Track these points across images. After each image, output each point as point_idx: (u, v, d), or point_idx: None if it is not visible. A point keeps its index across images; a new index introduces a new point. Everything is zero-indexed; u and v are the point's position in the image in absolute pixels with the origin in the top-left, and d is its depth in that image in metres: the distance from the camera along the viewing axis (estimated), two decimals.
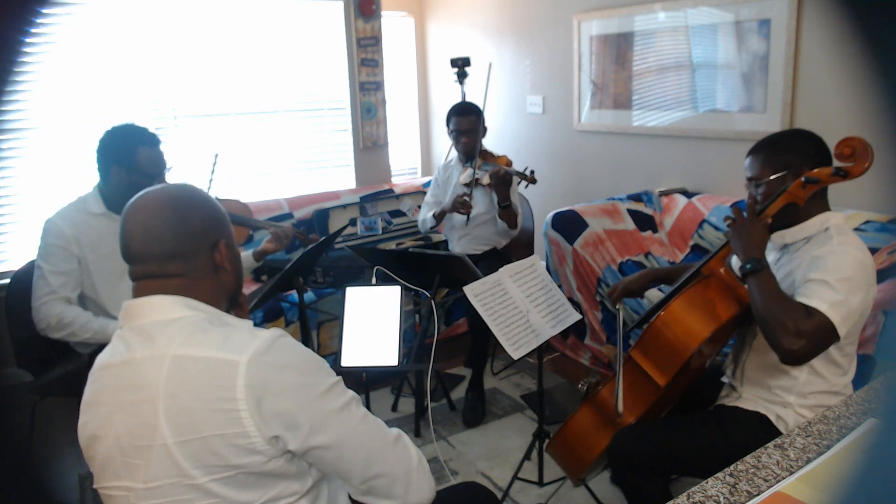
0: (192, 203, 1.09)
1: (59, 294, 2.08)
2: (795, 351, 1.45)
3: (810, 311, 1.46)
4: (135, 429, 0.98)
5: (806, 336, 1.44)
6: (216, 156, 2.40)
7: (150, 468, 0.97)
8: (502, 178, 2.94)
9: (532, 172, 2.85)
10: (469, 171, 3.10)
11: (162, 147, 2.18)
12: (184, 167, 3.59)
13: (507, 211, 3.02)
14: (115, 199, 2.17)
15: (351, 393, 1.07)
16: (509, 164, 3.08)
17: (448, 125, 3.19)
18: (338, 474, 1.07)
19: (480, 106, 3.11)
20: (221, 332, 1.00)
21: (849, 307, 1.47)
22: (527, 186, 2.92)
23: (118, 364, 1.02)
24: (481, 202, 3.17)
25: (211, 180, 2.38)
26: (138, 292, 1.06)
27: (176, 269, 1.05)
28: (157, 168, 2.15)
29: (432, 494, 1.13)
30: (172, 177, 2.41)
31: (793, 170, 1.59)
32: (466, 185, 3.10)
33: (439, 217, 3.23)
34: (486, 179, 3.04)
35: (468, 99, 3.52)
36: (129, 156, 2.10)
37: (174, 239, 1.05)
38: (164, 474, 0.97)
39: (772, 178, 1.62)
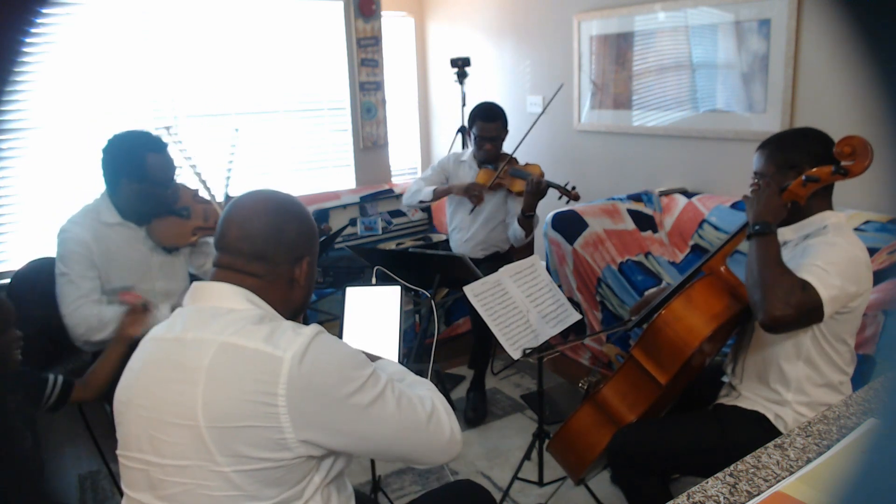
0: (293, 215, 1.15)
1: (90, 297, 2.01)
2: (779, 317, 1.46)
3: (805, 285, 1.47)
4: (170, 406, 1.00)
5: (794, 307, 1.45)
6: (237, 130, 2.36)
7: (176, 446, 0.99)
8: (541, 190, 2.79)
9: (574, 188, 2.73)
10: (489, 171, 3.02)
11: (169, 150, 2.12)
12: (184, 167, 3.59)
13: (529, 220, 2.92)
14: (129, 210, 2.10)
15: (385, 378, 1.08)
16: (542, 174, 2.95)
17: (471, 127, 3.08)
18: (375, 457, 1.12)
19: (504, 108, 3.03)
20: (269, 327, 1.03)
21: (838, 289, 1.48)
22: (567, 202, 2.80)
23: (170, 339, 1.06)
24: (493, 207, 3.10)
25: (232, 155, 2.33)
26: (214, 277, 1.11)
27: (257, 270, 1.10)
28: (167, 174, 2.09)
29: (458, 451, 1.17)
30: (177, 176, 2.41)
31: (796, 168, 1.60)
32: (484, 186, 3.02)
33: (440, 194, 3.09)
34: (516, 186, 2.96)
35: (468, 99, 3.52)
36: (138, 167, 2.01)
37: (266, 242, 1.10)
38: (192, 455, 0.99)
39: (773, 174, 1.63)
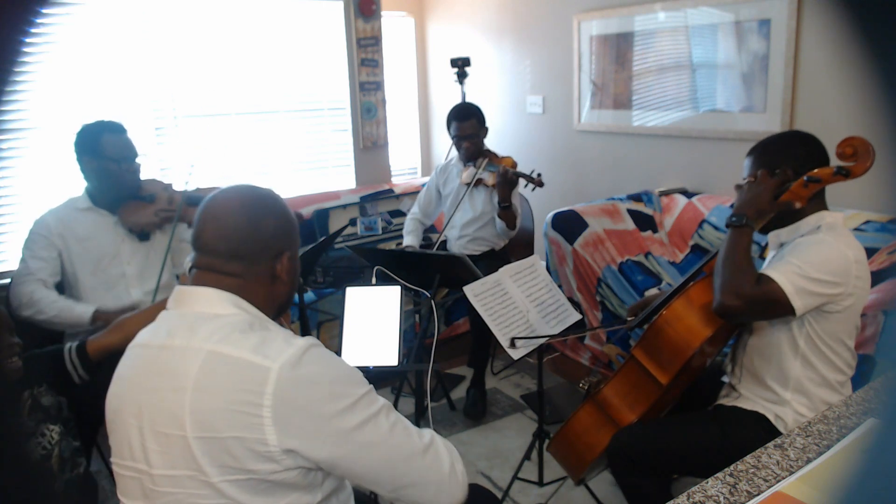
0: (268, 210, 1.12)
1: (34, 276, 2.17)
2: (728, 307, 1.53)
3: (761, 279, 1.52)
4: (158, 415, 0.99)
5: (743, 298, 1.51)
6: (192, 166, 2.42)
7: (165, 456, 0.98)
8: (509, 180, 2.92)
9: (539, 175, 2.85)
10: (471, 170, 3.10)
11: (129, 135, 2.28)
12: (183, 167, 3.59)
13: (507, 212, 3.02)
14: (96, 193, 2.29)
15: (381, 402, 1.05)
16: (514, 165, 3.07)
17: (448, 129, 3.17)
18: (365, 484, 1.06)
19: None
20: (258, 336, 1.00)
21: (808, 283, 1.50)
22: (533, 189, 2.90)
23: (156, 346, 1.05)
24: (481, 203, 3.17)
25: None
26: (195, 281, 1.08)
27: (235, 269, 1.08)
28: (122, 152, 2.25)
29: (463, 497, 1.12)
30: (164, 175, 2.42)
31: (779, 171, 1.61)
32: (467, 184, 3.10)
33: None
34: (490, 180, 3.04)
35: (468, 98, 3.52)
36: (94, 144, 2.22)
37: (242, 241, 1.07)
38: (181, 465, 0.97)
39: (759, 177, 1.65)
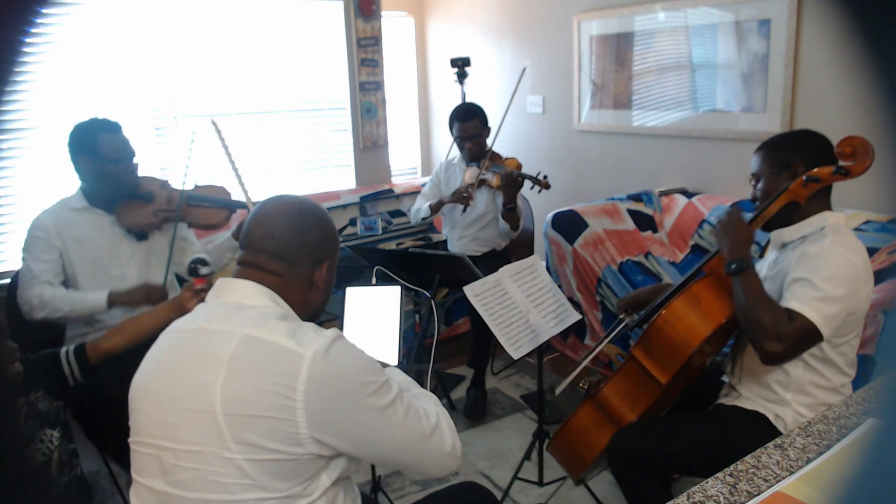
0: (317, 219, 1.20)
1: (40, 279, 2.13)
2: (775, 353, 1.49)
3: (791, 315, 1.49)
4: (188, 392, 1.03)
5: (786, 339, 1.48)
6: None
7: (190, 432, 1.02)
8: (514, 182, 2.91)
9: (545, 177, 2.84)
10: (474, 170, 3.09)
11: (124, 132, 2.24)
12: (182, 167, 3.58)
13: (511, 213, 3.01)
14: (92, 193, 2.25)
15: (396, 389, 1.11)
16: (519, 166, 3.05)
17: (451, 130, 3.16)
18: (376, 463, 1.16)
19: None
20: (291, 324, 1.07)
21: (832, 306, 1.49)
22: (539, 191, 2.89)
23: (192, 329, 1.11)
24: (482, 204, 3.16)
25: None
26: (238, 275, 1.15)
27: (277, 268, 1.15)
28: (119, 152, 2.21)
29: (457, 467, 1.20)
30: (164, 175, 2.40)
31: (790, 168, 1.61)
32: (471, 184, 3.09)
33: (436, 208, 3.15)
34: (495, 181, 3.03)
35: (468, 99, 3.52)
36: (90, 143, 2.17)
37: (289, 243, 1.16)
38: (206, 441, 1.00)
39: (768, 175, 1.64)
